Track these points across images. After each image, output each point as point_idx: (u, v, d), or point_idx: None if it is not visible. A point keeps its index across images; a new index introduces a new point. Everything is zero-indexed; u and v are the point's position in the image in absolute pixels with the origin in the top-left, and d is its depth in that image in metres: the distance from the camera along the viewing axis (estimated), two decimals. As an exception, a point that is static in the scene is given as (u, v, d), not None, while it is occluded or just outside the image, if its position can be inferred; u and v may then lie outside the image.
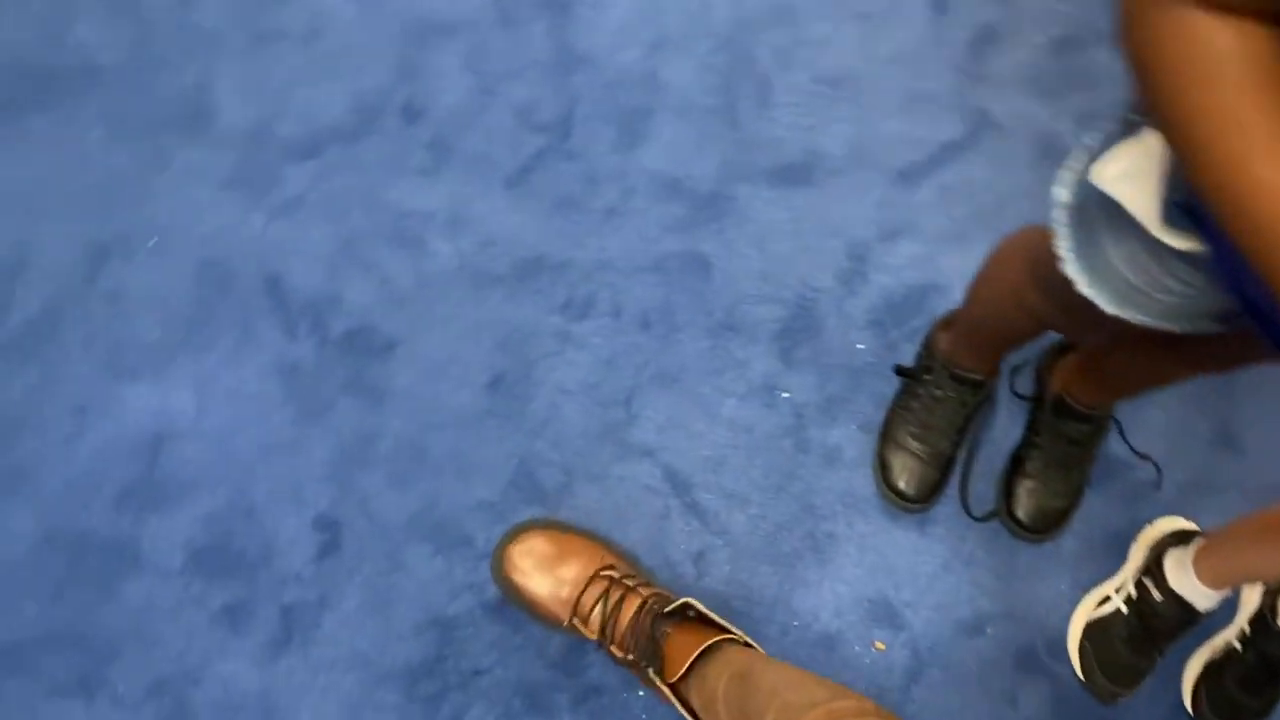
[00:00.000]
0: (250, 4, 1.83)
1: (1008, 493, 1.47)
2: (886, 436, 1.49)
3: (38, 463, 1.54)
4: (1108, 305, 0.78)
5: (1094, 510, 1.48)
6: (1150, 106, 0.56)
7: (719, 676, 1.16)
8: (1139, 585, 1.35)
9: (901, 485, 1.45)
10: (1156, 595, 1.31)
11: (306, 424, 1.55)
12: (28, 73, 1.80)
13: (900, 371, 1.49)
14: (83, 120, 1.76)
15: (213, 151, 1.72)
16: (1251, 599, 1.37)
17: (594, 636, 1.31)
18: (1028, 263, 0.99)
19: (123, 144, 1.74)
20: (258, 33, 1.81)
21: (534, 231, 1.65)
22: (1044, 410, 1.45)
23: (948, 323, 1.47)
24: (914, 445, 1.46)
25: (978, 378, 1.39)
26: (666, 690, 1.22)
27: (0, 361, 1.60)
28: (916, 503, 1.46)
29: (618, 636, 1.28)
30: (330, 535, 1.48)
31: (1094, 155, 0.74)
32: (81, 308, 1.63)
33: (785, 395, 1.54)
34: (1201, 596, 1.27)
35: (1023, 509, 1.45)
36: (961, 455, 1.48)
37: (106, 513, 1.51)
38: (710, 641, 1.21)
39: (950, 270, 1.60)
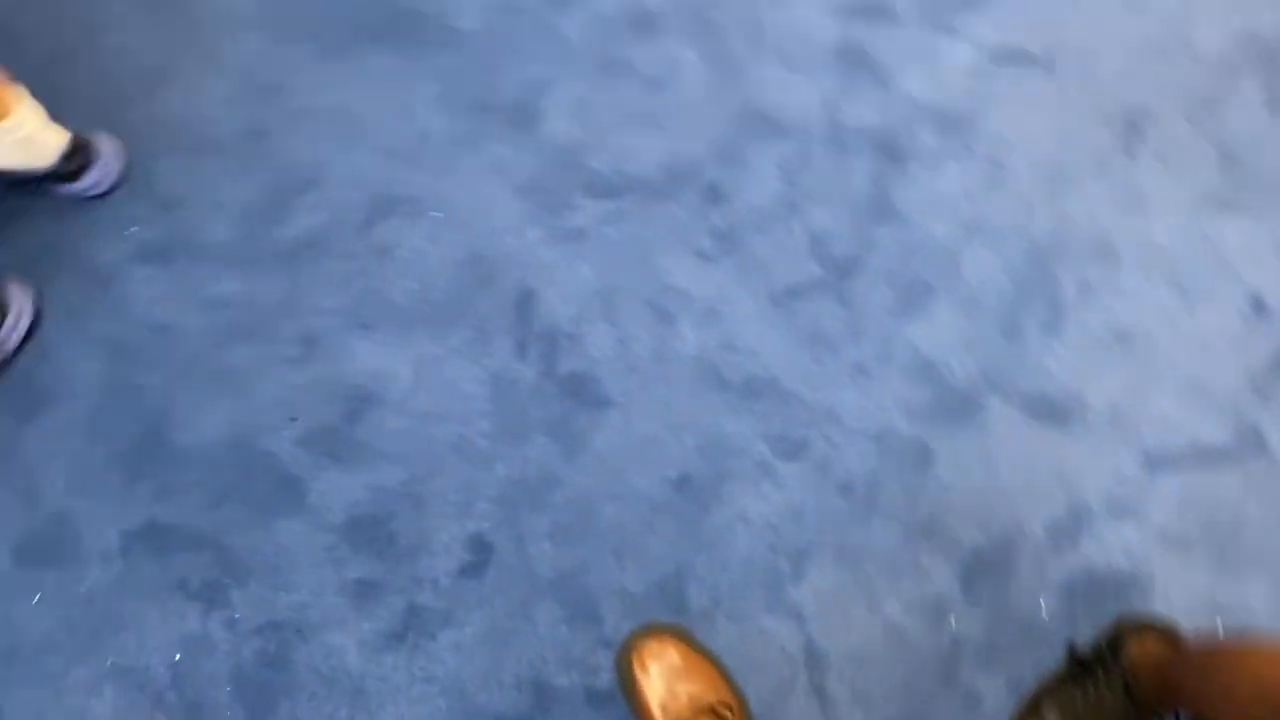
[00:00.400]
0: (615, 30, 1.87)
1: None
2: (1032, 709, 1.44)
3: (252, 373, 1.60)
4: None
5: None
6: None
7: None
8: None
9: (1027, 764, 1.40)
10: None
11: (501, 443, 1.57)
12: (393, 10, 1.87)
13: (1073, 655, 1.44)
14: (422, 74, 1.82)
15: (523, 153, 1.76)
16: None
17: None
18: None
19: (447, 111, 1.79)
20: (609, 59, 1.85)
21: (779, 355, 1.65)
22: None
23: (1148, 634, 1.41)
24: (1056, 731, 1.40)
25: (1157, 709, 1.33)
26: None
27: (257, 266, 1.66)
28: (1035, 788, 1.40)
29: None
30: (480, 558, 1.50)
31: None
32: (349, 247, 1.68)
33: (952, 622, 1.50)
34: None
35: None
36: (1098, 760, 1.42)
37: (293, 446, 1.56)
38: None
39: (1163, 575, 1.54)
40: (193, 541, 1.50)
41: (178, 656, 1.44)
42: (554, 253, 1.69)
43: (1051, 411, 1.64)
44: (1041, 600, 1.53)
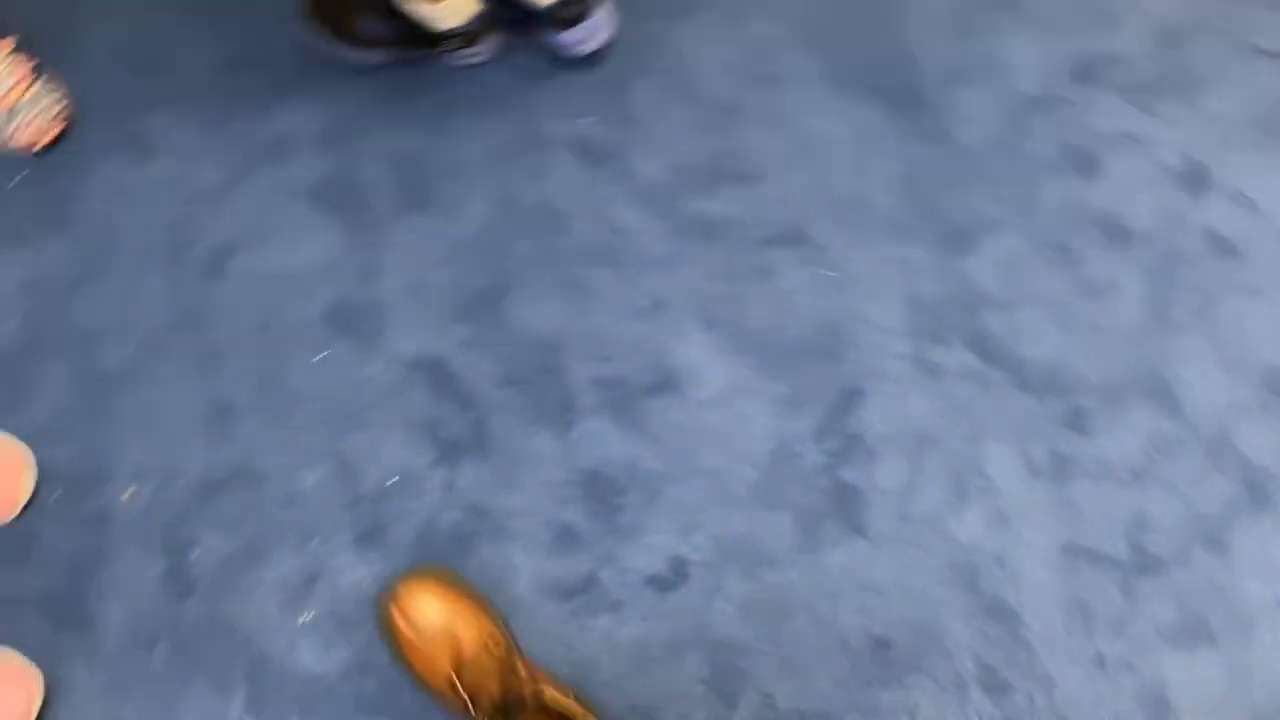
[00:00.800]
0: (1086, 222, 1.81)
1: None
2: None
3: (598, 299, 1.67)
4: None
5: None
6: None
7: None
8: None
9: None
10: None
11: (751, 499, 1.58)
12: (906, 81, 1.89)
13: None
14: (897, 149, 1.83)
15: (935, 271, 1.75)
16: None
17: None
18: None
19: (894, 193, 1.80)
20: (1064, 242, 1.79)
21: (1036, 599, 1.59)
22: None
23: None
24: None
25: None
26: None
27: (660, 216, 1.73)
28: None
29: None
30: (673, 578, 1.52)
31: None
32: (740, 252, 1.72)
33: None
34: None
35: None
36: None
37: (588, 379, 1.62)
38: None
39: None
40: (464, 399, 1.58)
41: (393, 482, 1.52)
42: (903, 372, 1.68)
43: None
44: None
